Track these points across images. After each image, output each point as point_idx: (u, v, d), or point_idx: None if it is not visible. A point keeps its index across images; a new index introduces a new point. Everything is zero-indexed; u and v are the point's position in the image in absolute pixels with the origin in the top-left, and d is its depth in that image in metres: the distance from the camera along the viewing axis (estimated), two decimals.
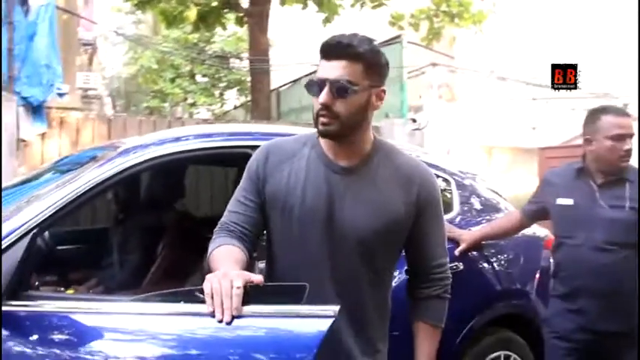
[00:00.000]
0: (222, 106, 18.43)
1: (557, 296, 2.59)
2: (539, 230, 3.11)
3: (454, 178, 2.93)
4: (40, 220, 1.89)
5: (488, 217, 2.95)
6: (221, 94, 18.18)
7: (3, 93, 5.38)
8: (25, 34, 5.60)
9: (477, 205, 2.99)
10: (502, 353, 2.80)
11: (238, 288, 1.28)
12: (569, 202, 2.51)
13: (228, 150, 2.41)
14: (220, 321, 1.27)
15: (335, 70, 1.51)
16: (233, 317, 1.27)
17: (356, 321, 1.61)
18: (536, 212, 2.73)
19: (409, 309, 1.74)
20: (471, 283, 2.66)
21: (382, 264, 1.65)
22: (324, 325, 1.27)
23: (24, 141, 5.69)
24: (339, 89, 1.50)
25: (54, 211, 1.95)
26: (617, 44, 11.88)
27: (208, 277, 1.33)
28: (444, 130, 8.52)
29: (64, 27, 10.49)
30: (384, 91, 1.61)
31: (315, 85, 1.53)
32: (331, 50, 1.52)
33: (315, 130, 1.60)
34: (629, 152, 2.42)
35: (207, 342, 1.33)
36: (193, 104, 17.48)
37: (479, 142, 10.35)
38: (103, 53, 22.02)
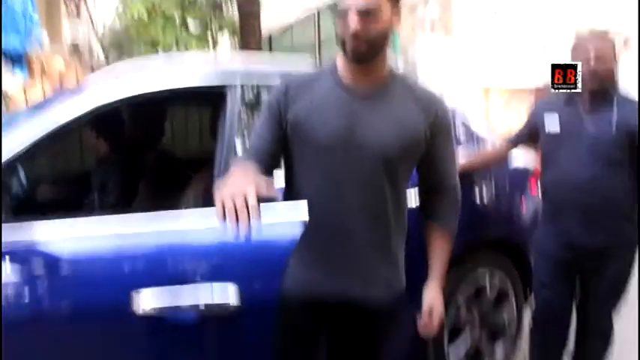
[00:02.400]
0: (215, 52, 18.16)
1: (543, 218, 2.69)
2: (527, 162, 3.12)
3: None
4: (14, 154, 1.95)
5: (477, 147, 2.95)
6: (214, 40, 17.87)
7: None
8: None
9: (462, 137, 2.94)
10: (488, 269, 2.87)
11: (252, 206, 1.30)
12: (557, 125, 2.56)
13: (205, 90, 2.36)
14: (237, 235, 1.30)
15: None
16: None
17: (379, 233, 1.72)
18: (523, 136, 2.79)
19: (424, 224, 1.86)
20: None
21: (402, 179, 1.75)
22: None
23: (7, 95, 5.55)
24: (369, 14, 1.58)
25: (28, 146, 1.97)
26: None
27: (220, 194, 1.34)
28: (438, 68, 8.36)
29: None
30: (400, 11, 1.70)
31: (342, 12, 1.60)
32: None
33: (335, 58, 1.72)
34: (593, 73, 2.43)
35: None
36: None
37: (476, 83, 10.22)
38: (92, 3, 21.57)
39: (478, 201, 2.81)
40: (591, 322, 2.64)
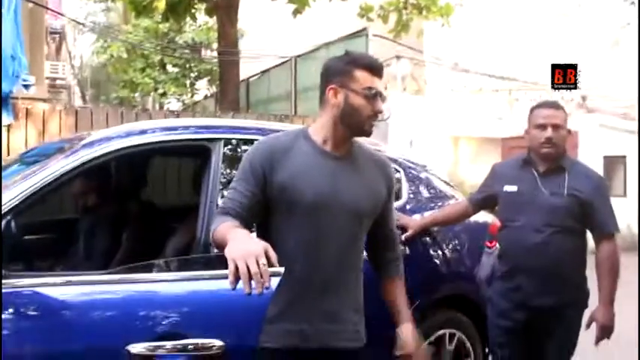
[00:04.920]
0: (192, 96, 18.37)
1: (499, 277, 2.82)
2: (485, 217, 3.30)
3: (403, 168, 3.11)
4: (5, 210, 2.01)
5: (437, 205, 3.14)
6: (192, 84, 18.10)
7: None
8: None
9: (426, 194, 3.17)
10: (447, 331, 3.00)
11: (265, 265, 1.46)
12: (514, 188, 2.74)
13: (191, 143, 2.52)
14: (249, 294, 1.44)
15: (382, 86, 1.94)
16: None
17: (351, 283, 1.95)
18: (483, 200, 2.95)
19: (379, 273, 2.10)
20: (417, 266, 2.84)
21: (365, 231, 2.00)
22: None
23: None
24: (383, 101, 1.92)
25: (19, 201, 2.06)
26: (583, 41, 12.22)
27: (233, 255, 1.48)
28: (409, 121, 8.72)
29: (31, 15, 10.39)
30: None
31: (375, 95, 1.89)
32: (379, 70, 1.93)
33: (293, 127, 2.11)
34: (548, 140, 2.65)
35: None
36: (164, 94, 17.37)
37: (446, 132, 10.60)
38: (71, 41, 21.72)
39: (436, 258, 2.99)
40: None
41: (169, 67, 17.65)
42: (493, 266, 2.88)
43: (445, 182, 3.48)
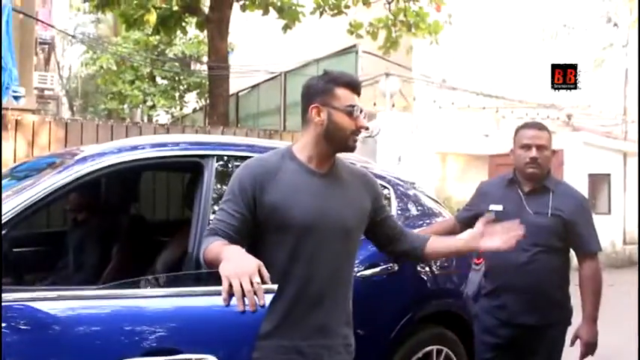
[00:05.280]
0: (181, 109, 18.37)
1: (485, 294, 2.86)
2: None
3: (392, 185, 3.16)
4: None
5: (425, 222, 3.18)
6: (181, 97, 18.11)
7: None
8: None
9: (414, 211, 3.23)
10: (434, 348, 3.04)
11: (258, 283, 1.48)
12: (500, 207, 2.79)
13: (183, 159, 2.55)
14: (243, 312, 1.46)
15: (360, 102, 1.98)
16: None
17: (343, 297, 2.00)
18: (469, 218, 2.95)
19: (414, 254, 2.22)
20: (405, 282, 2.90)
21: (355, 246, 2.06)
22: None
23: None
24: (364, 117, 1.99)
25: (12, 216, 2.07)
26: (568, 60, 12.37)
27: (227, 273, 1.51)
28: (397, 137, 8.79)
29: (21, 26, 10.38)
30: None
31: (357, 111, 1.95)
32: (358, 87, 2.00)
33: (282, 144, 2.17)
34: (533, 159, 2.71)
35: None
36: (153, 107, 17.36)
37: (433, 149, 10.69)
38: (60, 52, 21.67)
39: (424, 275, 3.02)
40: None
41: (159, 80, 17.66)
42: (480, 283, 2.91)
43: (433, 199, 3.53)
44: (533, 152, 2.71)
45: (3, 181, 2.63)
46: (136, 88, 16.79)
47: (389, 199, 3.09)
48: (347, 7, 10.44)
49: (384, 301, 2.84)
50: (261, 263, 1.56)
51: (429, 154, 10.40)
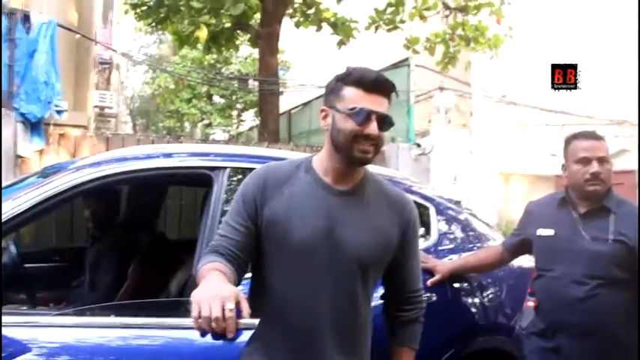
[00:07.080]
0: (238, 127, 18.51)
1: (536, 332, 2.44)
2: (531, 261, 2.95)
3: (434, 204, 2.79)
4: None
5: (467, 247, 2.81)
6: (238, 115, 18.28)
7: (3, 109, 5.41)
8: (26, 51, 5.69)
9: (459, 233, 2.85)
10: None
11: (231, 310, 1.27)
12: (550, 232, 2.39)
13: (187, 170, 2.37)
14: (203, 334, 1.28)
15: (379, 104, 1.61)
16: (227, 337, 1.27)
17: (347, 336, 1.67)
18: (517, 246, 2.59)
19: (388, 330, 1.83)
20: (445, 314, 2.52)
21: (373, 280, 1.72)
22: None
23: (21, 157, 5.69)
24: (385, 123, 1.62)
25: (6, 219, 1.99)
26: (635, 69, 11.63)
27: (197, 298, 1.30)
28: (453, 156, 8.34)
29: (77, 45, 10.65)
30: None
31: (361, 115, 1.58)
32: (374, 85, 1.61)
33: (307, 155, 1.76)
34: (595, 175, 2.30)
35: None
36: (209, 125, 17.57)
37: (494, 169, 10.18)
38: (124, 72, 22.36)
39: (469, 306, 2.66)
40: None
41: (216, 98, 17.88)
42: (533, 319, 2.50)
43: (483, 222, 3.13)
44: (595, 167, 2.29)
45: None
46: (193, 107, 17.06)
47: (428, 220, 2.72)
48: (402, 21, 10.19)
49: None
50: (241, 294, 1.32)
51: (491, 175, 9.88)
